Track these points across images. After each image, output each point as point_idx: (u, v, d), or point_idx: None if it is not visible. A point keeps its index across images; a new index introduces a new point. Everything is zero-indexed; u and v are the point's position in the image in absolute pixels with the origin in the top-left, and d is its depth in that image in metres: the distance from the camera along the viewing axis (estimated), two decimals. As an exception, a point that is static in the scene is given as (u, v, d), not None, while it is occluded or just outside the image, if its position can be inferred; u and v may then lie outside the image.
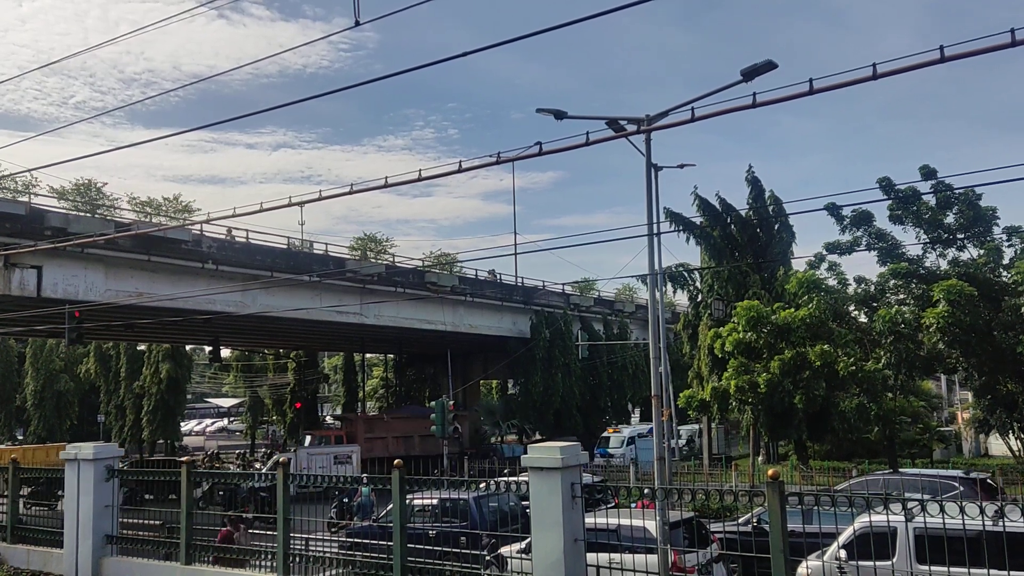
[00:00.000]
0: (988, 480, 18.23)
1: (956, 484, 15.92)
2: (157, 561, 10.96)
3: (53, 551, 12.18)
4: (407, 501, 8.96)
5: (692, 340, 38.66)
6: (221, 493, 24.28)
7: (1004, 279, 25.02)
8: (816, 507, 6.28)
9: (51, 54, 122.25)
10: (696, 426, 43.72)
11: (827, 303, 26.80)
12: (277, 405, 62.66)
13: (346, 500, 21.48)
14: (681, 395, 30.80)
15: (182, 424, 61.77)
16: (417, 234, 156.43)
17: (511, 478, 10.75)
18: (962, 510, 5.56)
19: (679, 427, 40.72)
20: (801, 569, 10.56)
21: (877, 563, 8.11)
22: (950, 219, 26.44)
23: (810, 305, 26.69)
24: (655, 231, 16.07)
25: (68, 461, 11.81)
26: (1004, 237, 25.84)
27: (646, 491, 11.26)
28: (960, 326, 23.10)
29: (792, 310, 26.98)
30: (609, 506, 11.72)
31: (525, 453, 7.76)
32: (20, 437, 62.89)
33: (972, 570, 6.55)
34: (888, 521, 8.59)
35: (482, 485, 9.29)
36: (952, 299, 22.87)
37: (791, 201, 40.66)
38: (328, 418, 77.03)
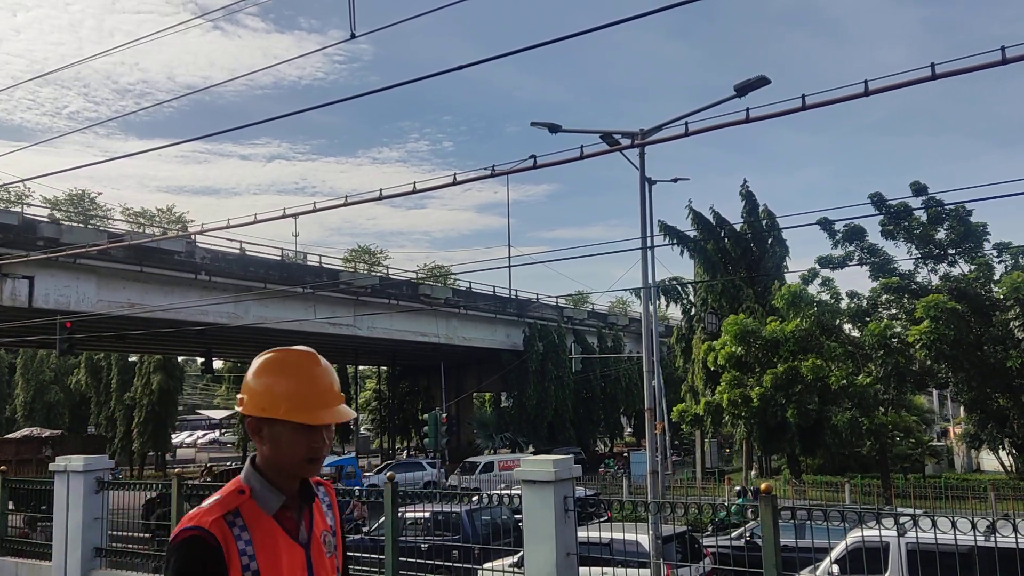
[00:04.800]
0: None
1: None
2: (146, 574, 10.90)
3: (42, 564, 12.10)
4: (399, 514, 8.93)
5: (686, 354, 38.71)
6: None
7: (994, 294, 25.18)
8: (809, 522, 6.28)
9: (45, 64, 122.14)
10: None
11: (815, 316, 26.90)
12: (269, 417, 62.30)
13: None
14: (675, 409, 30.79)
15: (173, 436, 61.39)
16: (411, 246, 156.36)
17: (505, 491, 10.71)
18: (954, 525, 5.57)
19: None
20: (794, 584, 10.54)
21: (870, 578, 8.11)
22: (941, 235, 26.63)
23: (798, 319, 26.80)
24: (649, 245, 16.12)
25: (57, 473, 11.75)
26: (994, 253, 26.04)
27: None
28: (945, 341, 23.22)
29: (778, 323, 27.06)
30: (602, 520, 11.70)
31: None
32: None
33: (964, 585, 6.55)
34: (880, 536, 8.60)
35: (475, 498, 9.26)
36: (934, 315, 23.01)
37: (786, 215, 40.91)
38: None
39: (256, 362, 2.05)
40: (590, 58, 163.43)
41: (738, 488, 25.61)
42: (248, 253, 32.91)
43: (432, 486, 30.25)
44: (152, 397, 50.59)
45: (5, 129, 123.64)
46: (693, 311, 39.41)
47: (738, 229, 37.07)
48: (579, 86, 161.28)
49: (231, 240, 32.43)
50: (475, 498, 9.29)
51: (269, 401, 1.94)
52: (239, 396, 2.05)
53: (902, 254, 27.20)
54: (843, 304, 28.26)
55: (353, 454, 41.16)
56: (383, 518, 8.75)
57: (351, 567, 9.63)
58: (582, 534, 7.78)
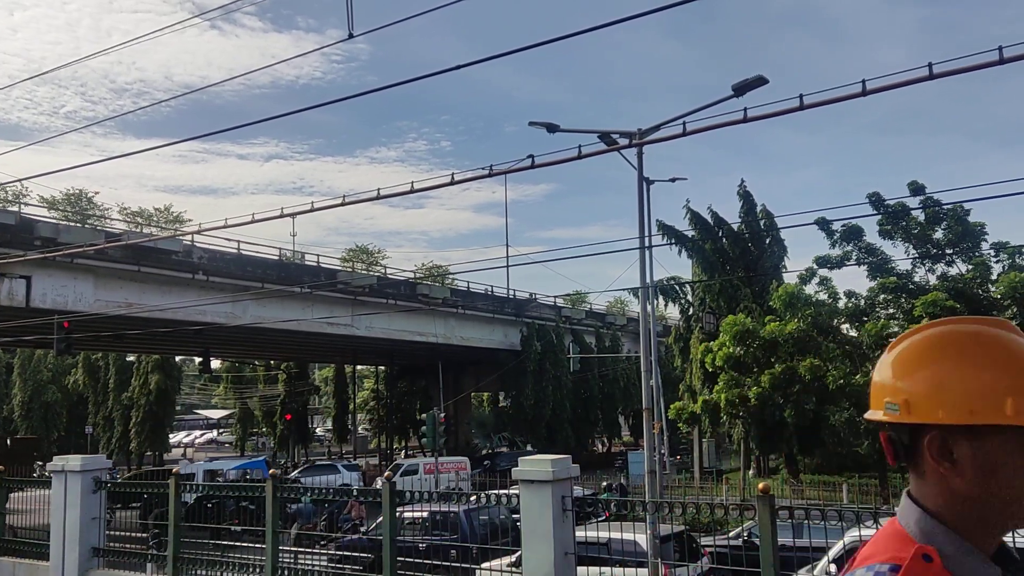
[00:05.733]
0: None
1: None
2: (144, 575, 10.88)
3: (40, 563, 12.08)
4: (397, 514, 8.93)
5: (684, 353, 38.73)
6: (209, 506, 24.11)
7: (992, 294, 25.23)
8: (806, 521, 6.29)
9: (42, 63, 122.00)
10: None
11: (812, 317, 26.93)
12: (267, 417, 62.37)
13: (289, 506, 21.60)
14: (672, 407, 30.81)
15: (171, 436, 61.35)
16: (409, 246, 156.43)
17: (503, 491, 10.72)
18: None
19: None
20: (792, 583, 10.55)
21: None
22: (939, 234, 26.67)
23: (796, 319, 26.83)
24: (647, 244, 16.13)
25: (55, 473, 11.74)
26: (992, 252, 26.10)
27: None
28: None
29: (778, 323, 27.10)
30: (599, 520, 11.70)
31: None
32: (6, 448, 62.30)
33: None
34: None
35: (472, 498, 9.27)
36: (932, 314, 23.08)
37: (784, 215, 41.01)
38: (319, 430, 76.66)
39: (921, 341, 1.25)
40: (589, 58, 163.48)
41: (605, 483, 28.40)
42: (246, 253, 32.89)
43: None
44: (150, 397, 50.56)
45: (2, 128, 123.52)
46: (691, 311, 39.43)
47: (736, 229, 37.10)
48: (577, 86, 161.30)
49: (229, 240, 32.44)
50: (473, 498, 9.30)
51: (979, 400, 1.16)
52: (888, 401, 1.24)
53: (900, 254, 27.27)
54: (841, 304, 28.30)
55: (263, 458, 40.58)
56: (380, 518, 8.75)
57: (350, 567, 9.63)
58: (580, 534, 7.78)
